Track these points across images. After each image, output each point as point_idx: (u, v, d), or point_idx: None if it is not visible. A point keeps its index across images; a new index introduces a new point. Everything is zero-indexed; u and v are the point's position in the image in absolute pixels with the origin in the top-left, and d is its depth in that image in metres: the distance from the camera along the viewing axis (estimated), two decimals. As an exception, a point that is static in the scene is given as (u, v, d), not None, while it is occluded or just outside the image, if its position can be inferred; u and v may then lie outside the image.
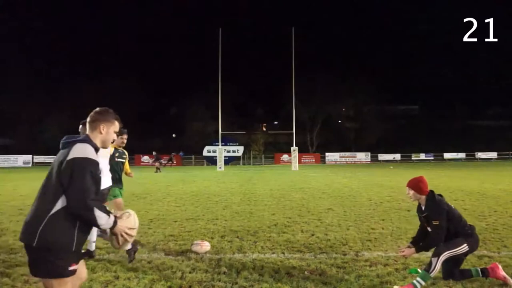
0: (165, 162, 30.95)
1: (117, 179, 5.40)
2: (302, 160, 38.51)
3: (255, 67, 55.73)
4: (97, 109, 2.48)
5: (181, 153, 41.81)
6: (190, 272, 3.96)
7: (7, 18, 50.82)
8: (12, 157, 39.84)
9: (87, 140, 2.30)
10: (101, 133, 2.41)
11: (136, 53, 58.57)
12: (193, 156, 41.90)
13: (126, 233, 2.37)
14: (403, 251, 3.76)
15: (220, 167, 28.87)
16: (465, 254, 3.62)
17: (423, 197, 3.74)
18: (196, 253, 4.66)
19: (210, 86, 35.86)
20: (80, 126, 4.65)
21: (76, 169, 2.12)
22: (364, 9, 67.62)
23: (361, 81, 47.24)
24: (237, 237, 5.57)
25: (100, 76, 47.83)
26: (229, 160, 38.18)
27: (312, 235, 5.67)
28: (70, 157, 2.16)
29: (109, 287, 3.63)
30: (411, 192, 3.76)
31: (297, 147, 29.24)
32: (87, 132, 2.41)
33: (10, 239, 5.51)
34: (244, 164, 41.57)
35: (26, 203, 9.38)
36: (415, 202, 3.88)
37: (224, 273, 3.95)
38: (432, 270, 3.41)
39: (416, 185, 3.74)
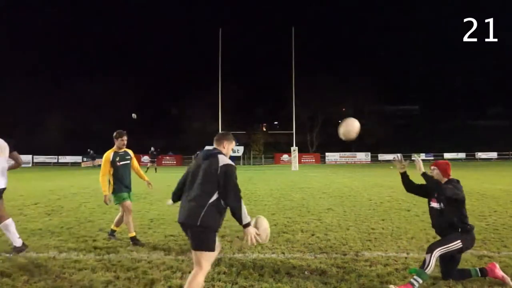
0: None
1: (125, 184, 5.36)
2: (302, 160, 38.49)
3: (255, 67, 55.63)
4: (222, 131, 3.50)
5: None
6: (190, 272, 3.96)
7: (7, 18, 50.84)
8: (12, 157, 39.79)
9: (221, 152, 3.18)
10: (224, 148, 3.27)
11: (136, 53, 58.49)
12: (193, 156, 41.89)
13: (255, 236, 3.09)
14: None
15: (220, 167, 28.80)
16: (459, 251, 3.60)
17: (444, 179, 3.74)
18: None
19: (210, 86, 35.83)
20: None
21: (229, 172, 3.00)
22: (364, 9, 67.57)
23: (361, 81, 47.14)
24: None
25: (100, 76, 47.79)
26: (229, 160, 38.10)
27: (312, 235, 5.67)
28: (221, 164, 3.01)
29: (109, 287, 3.63)
30: (435, 171, 3.77)
31: (297, 147, 29.22)
32: (215, 146, 3.29)
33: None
34: (244, 164, 41.55)
35: (26, 203, 9.38)
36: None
37: (224, 273, 3.95)
38: (427, 267, 3.41)
39: (443, 166, 3.77)
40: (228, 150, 3.30)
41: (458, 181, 3.73)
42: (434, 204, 3.75)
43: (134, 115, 13.90)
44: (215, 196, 2.99)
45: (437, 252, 3.46)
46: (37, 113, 48.89)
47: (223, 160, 3.06)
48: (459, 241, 3.53)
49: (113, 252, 4.76)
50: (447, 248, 3.49)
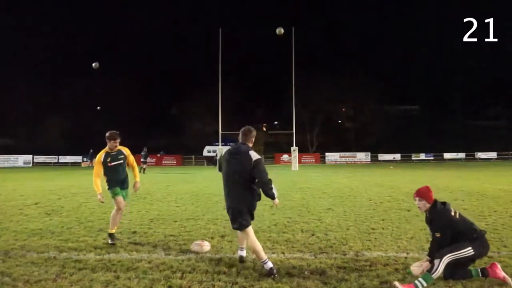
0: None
1: (118, 182, 5.36)
2: (302, 160, 38.49)
3: (255, 67, 55.59)
4: (248, 127, 4.13)
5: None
6: (190, 272, 3.97)
7: (7, 18, 50.81)
8: (12, 157, 39.84)
9: (251, 147, 4.02)
10: (251, 143, 4.09)
11: (136, 54, 58.46)
12: (193, 156, 41.87)
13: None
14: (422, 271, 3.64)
15: (220, 167, 28.80)
16: (471, 258, 3.60)
17: (429, 205, 3.77)
18: (196, 253, 4.66)
19: (210, 86, 35.82)
20: None
21: (261, 164, 3.89)
22: (364, 9, 67.58)
23: (361, 81, 47.14)
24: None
25: (100, 76, 47.78)
26: (229, 160, 38.08)
27: (312, 235, 5.67)
28: (254, 158, 3.87)
29: (109, 287, 3.63)
30: (422, 202, 3.78)
31: (297, 147, 29.21)
32: (243, 140, 4.06)
33: (10, 239, 5.51)
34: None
35: (26, 203, 9.37)
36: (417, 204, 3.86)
37: (224, 273, 3.95)
38: (434, 271, 3.41)
39: (426, 194, 3.77)
40: (252, 143, 4.10)
41: (442, 204, 3.72)
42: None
43: (95, 64, 12.79)
44: (252, 184, 3.94)
45: (446, 259, 3.46)
46: (37, 113, 48.88)
47: (255, 154, 3.89)
48: (470, 248, 3.53)
49: (113, 252, 4.76)
50: (457, 255, 3.50)
